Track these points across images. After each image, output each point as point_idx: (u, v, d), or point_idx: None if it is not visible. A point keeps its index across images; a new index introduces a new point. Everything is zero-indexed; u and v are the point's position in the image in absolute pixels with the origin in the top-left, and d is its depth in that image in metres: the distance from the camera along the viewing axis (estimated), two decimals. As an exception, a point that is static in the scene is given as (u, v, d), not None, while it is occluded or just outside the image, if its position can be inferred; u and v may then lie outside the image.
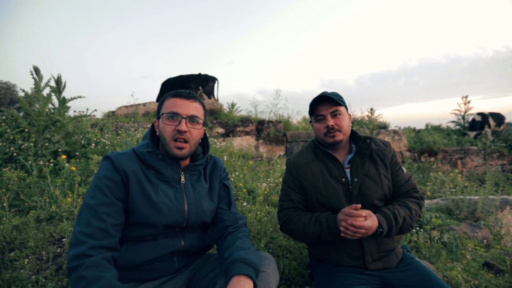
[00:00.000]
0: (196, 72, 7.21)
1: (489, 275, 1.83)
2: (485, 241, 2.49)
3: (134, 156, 1.02)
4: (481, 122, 9.38)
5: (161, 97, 1.09)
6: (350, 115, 1.36)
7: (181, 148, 1.01)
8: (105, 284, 0.80)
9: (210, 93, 7.10)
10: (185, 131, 1.00)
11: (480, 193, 3.48)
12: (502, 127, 9.70)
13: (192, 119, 1.03)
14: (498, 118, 9.67)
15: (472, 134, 9.14)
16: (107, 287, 0.80)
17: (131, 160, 1.01)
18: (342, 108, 1.29)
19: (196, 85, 6.91)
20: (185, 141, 1.01)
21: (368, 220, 1.08)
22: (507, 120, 10.10)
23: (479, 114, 9.63)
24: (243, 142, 6.07)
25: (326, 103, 1.28)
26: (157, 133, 1.07)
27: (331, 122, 1.25)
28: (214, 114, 6.77)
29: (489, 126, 9.33)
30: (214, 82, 7.24)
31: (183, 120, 1.00)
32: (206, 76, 7.14)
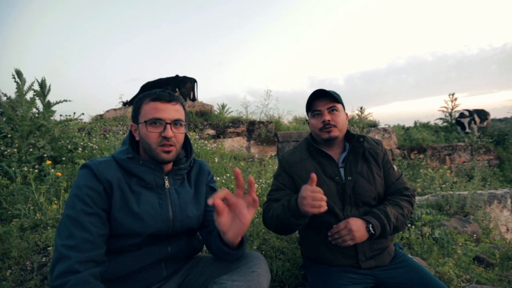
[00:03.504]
0: (189, 74, 7.13)
1: (480, 269, 1.85)
2: (474, 235, 2.53)
3: (114, 164, 0.97)
4: (469, 119, 9.58)
5: (137, 99, 1.02)
6: (347, 114, 1.36)
7: (168, 152, 0.98)
8: None
9: (187, 95, 7.00)
10: (171, 137, 0.96)
11: (469, 188, 3.54)
12: (486, 123, 9.95)
13: (176, 123, 0.99)
14: (483, 114, 9.92)
15: (463, 133, 9.37)
16: None
17: (113, 168, 0.94)
18: (339, 105, 1.29)
19: (173, 87, 6.81)
20: (171, 145, 0.98)
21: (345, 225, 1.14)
22: (493, 116, 10.38)
23: (466, 110, 9.83)
24: (234, 143, 6.04)
25: (323, 99, 1.28)
26: (137, 138, 1.02)
27: (327, 117, 1.26)
28: (204, 116, 6.72)
29: (475, 123, 9.54)
30: (193, 84, 7.13)
31: (168, 126, 0.96)
32: (184, 77, 7.04)
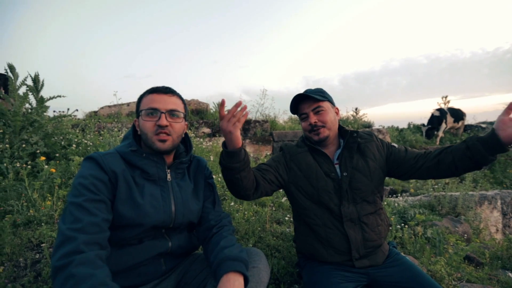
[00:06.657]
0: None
1: (470, 268, 1.89)
2: (465, 235, 2.58)
3: (119, 157, 0.98)
4: (439, 117, 8.87)
5: (139, 96, 1.08)
6: (337, 109, 1.35)
7: (164, 141, 0.99)
8: (96, 282, 0.70)
9: None
10: (166, 125, 0.98)
11: (460, 189, 3.60)
12: (460, 123, 9.35)
13: (171, 113, 1.01)
14: (457, 114, 9.24)
15: (424, 128, 8.87)
16: (99, 285, 0.70)
17: (118, 160, 0.96)
18: (325, 104, 1.28)
19: None
20: (167, 134, 0.99)
21: None
22: (484, 119, 10.37)
23: (438, 110, 9.15)
24: (230, 142, 6.02)
25: (307, 101, 1.28)
26: (139, 132, 1.05)
27: (313, 119, 1.26)
28: (200, 114, 6.70)
29: (446, 122, 8.92)
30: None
31: (163, 115, 0.98)
32: None
